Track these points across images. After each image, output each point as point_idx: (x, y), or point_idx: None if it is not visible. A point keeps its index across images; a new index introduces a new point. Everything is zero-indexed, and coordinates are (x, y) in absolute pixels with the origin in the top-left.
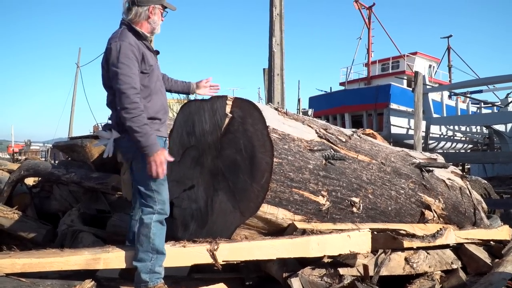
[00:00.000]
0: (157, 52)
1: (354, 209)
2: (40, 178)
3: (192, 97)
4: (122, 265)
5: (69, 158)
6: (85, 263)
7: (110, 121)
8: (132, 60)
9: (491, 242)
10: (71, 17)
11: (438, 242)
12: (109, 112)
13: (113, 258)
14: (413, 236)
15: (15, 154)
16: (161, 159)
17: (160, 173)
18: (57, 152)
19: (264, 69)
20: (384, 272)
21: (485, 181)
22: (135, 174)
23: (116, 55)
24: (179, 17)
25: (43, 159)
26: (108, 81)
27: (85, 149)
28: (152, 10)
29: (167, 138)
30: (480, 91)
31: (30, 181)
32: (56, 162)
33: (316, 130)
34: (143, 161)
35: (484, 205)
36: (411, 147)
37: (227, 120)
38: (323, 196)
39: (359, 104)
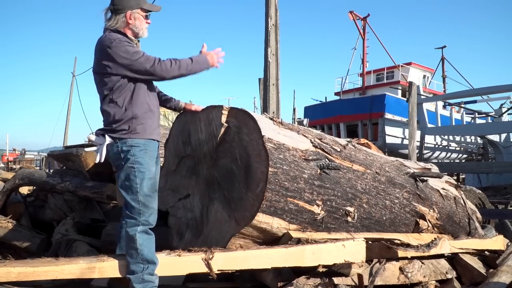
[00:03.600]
0: None
1: (349, 219)
2: (34, 187)
3: None
4: (117, 274)
5: (64, 167)
6: (80, 272)
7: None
8: (133, 46)
9: (486, 252)
10: (67, 27)
11: (433, 251)
12: None
13: (108, 267)
14: (407, 245)
15: (9, 163)
16: (213, 55)
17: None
18: (52, 161)
19: (259, 79)
20: (378, 281)
21: (480, 191)
22: (121, 183)
23: (123, 49)
24: (175, 25)
25: (38, 168)
26: (101, 86)
27: (80, 158)
28: (130, 16)
29: (159, 142)
30: (474, 101)
31: (24, 190)
32: (51, 171)
33: (311, 140)
34: (127, 172)
35: (478, 215)
36: (406, 156)
37: (222, 130)
38: (318, 205)
39: (354, 114)
